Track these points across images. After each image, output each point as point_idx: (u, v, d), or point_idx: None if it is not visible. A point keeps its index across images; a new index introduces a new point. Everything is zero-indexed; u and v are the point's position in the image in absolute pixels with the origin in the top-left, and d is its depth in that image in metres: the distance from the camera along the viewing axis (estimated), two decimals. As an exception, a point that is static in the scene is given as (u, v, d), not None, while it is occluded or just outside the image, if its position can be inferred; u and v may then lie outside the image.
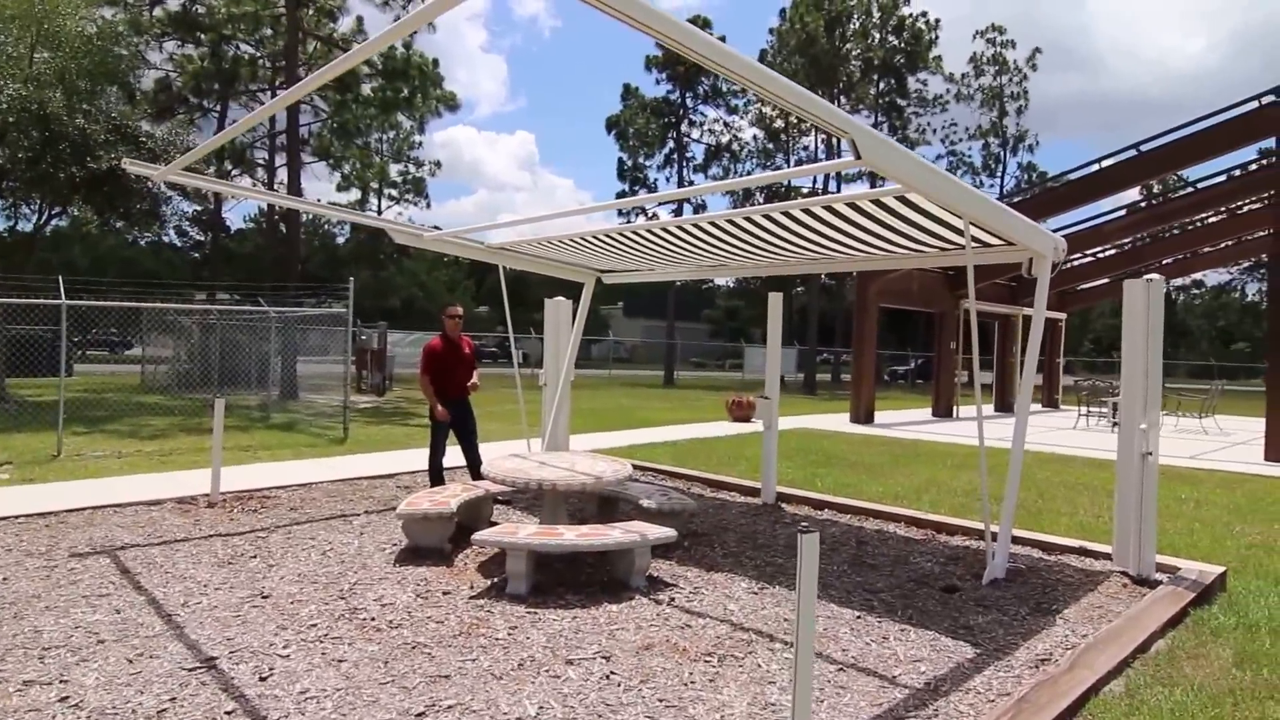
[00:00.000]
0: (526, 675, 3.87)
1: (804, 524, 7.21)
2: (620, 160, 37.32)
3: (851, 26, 33.96)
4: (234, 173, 28.04)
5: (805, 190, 35.43)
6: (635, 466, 9.93)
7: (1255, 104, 11.64)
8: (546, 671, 3.92)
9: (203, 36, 23.53)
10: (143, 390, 19.67)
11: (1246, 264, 46.80)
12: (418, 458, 10.42)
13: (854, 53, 34.73)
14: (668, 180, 37.84)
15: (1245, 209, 17.23)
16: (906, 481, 9.56)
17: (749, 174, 39.12)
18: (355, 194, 33.36)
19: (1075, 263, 21.24)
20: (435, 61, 22.94)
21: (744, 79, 3.58)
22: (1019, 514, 7.80)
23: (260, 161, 28.36)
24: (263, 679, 3.80)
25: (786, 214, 5.72)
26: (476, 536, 5.21)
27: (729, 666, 4.03)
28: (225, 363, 18.03)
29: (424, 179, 36.77)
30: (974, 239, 5.96)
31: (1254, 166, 15.18)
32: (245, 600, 4.88)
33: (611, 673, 3.93)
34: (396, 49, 22.39)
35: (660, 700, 3.66)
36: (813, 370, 34.19)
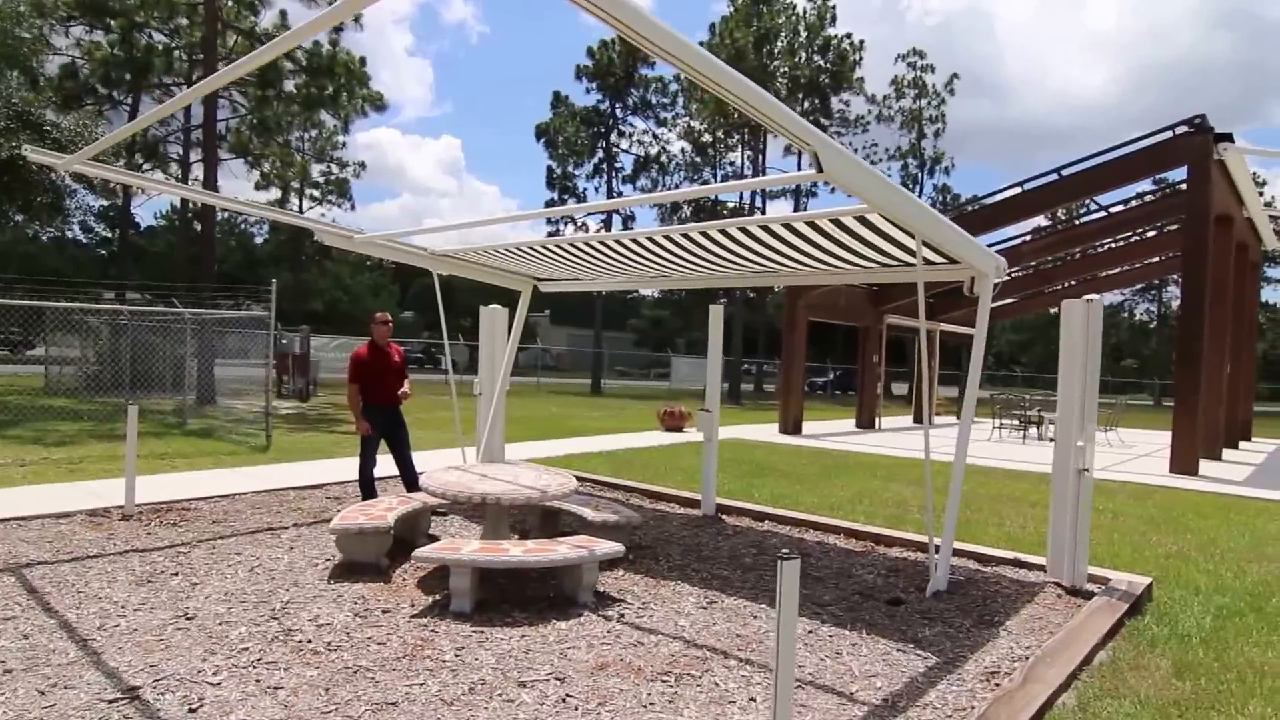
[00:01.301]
0: (479, 700, 3.73)
1: (782, 546, 7.21)
2: (549, 168, 37.16)
3: (779, 44, 34.54)
4: (146, 167, 26.83)
5: (731, 205, 35.83)
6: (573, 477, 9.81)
7: (1170, 134, 12.26)
8: (499, 695, 3.78)
9: (112, 23, 22.46)
10: (47, 393, 18.59)
11: (1139, 286, 49.27)
12: (347, 467, 10.08)
13: (781, 70, 35.32)
14: (597, 190, 37.86)
15: (1147, 234, 18.15)
16: (840, 492, 9.68)
17: (677, 187, 39.37)
18: (275, 193, 32.27)
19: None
20: (362, 60, 22.39)
21: (719, 86, 3.50)
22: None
23: (174, 156, 27.22)
24: (192, 710, 3.56)
25: (743, 230, 5.71)
26: (419, 553, 5.03)
27: (686, 686, 3.95)
28: (138, 366, 17.16)
29: (347, 180, 35.85)
30: (933, 257, 6.05)
31: (1152, 196, 15.99)
32: (168, 622, 4.59)
33: (568, 695, 3.81)
34: (322, 45, 21.81)
35: (620, 724, 3.56)
36: (737, 381, 34.55)
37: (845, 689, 3.99)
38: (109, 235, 47.09)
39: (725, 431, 17.45)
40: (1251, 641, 4.87)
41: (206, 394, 17.66)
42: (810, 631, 4.78)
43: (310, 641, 4.37)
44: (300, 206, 36.28)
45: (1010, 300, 22.68)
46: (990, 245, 18.04)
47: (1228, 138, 11.94)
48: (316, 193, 35.37)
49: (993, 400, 20.71)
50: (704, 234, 5.92)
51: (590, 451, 12.65)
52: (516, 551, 5.04)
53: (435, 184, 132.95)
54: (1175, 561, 6.90)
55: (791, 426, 17.44)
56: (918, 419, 22.18)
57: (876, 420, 20.12)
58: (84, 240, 49.59)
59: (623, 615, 4.97)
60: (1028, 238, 19.26)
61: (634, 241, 6.48)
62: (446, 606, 4.94)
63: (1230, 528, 8.49)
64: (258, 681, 3.85)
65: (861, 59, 36.37)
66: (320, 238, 7.89)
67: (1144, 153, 12.46)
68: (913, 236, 5.25)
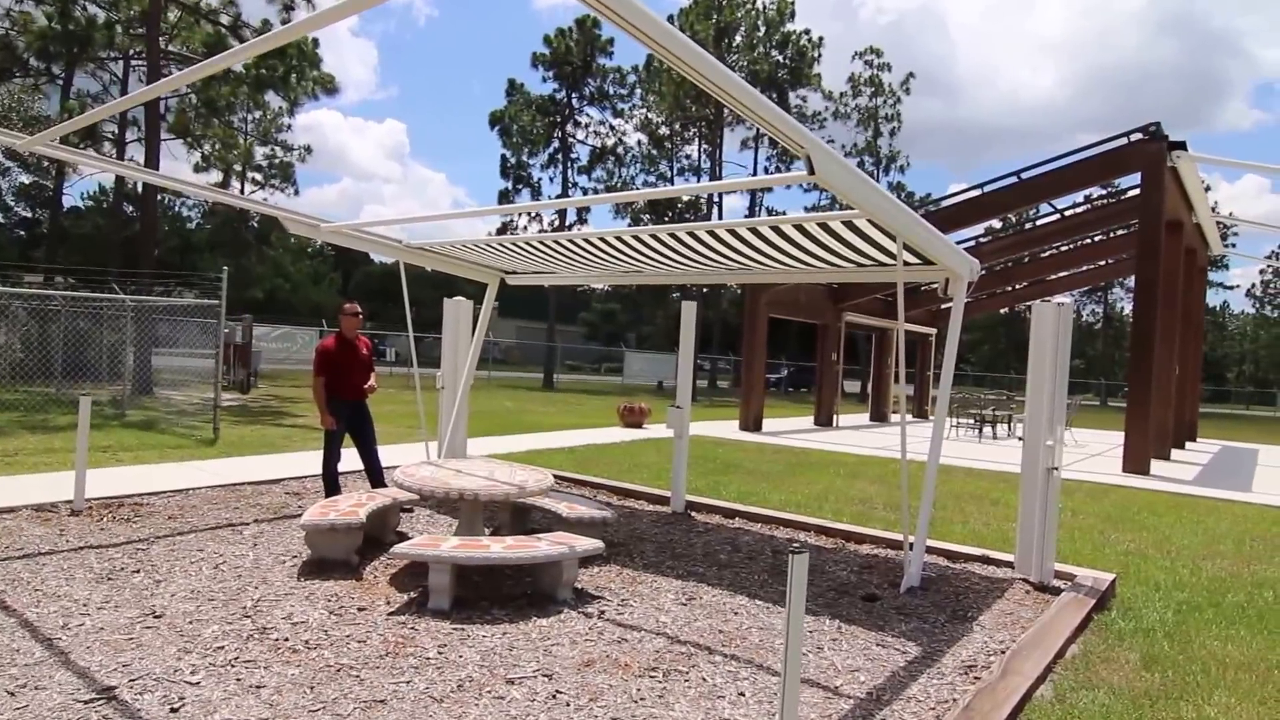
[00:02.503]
0: (468, 697, 3.68)
1: (754, 543, 7.24)
2: (504, 157, 36.79)
3: (738, 39, 34.72)
4: (82, 145, 25.82)
5: (686, 199, 35.93)
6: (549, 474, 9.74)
7: (1125, 140, 12.64)
8: (489, 692, 3.74)
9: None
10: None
11: (1085, 288, 50.69)
12: (302, 461, 9.88)
13: (740, 64, 35.50)
14: (552, 180, 37.60)
15: (1098, 238, 18.69)
16: (806, 490, 9.78)
17: (633, 179, 39.35)
18: (216, 176, 31.33)
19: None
20: (315, 41, 21.86)
21: (716, 86, 3.49)
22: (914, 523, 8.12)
23: (109, 135, 26.23)
24: (174, 710, 3.45)
25: (732, 231, 5.75)
26: (397, 549, 4.94)
27: (675, 681, 3.95)
28: (69, 354, 16.54)
29: (291, 164, 34.95)
30: (891, 257, 6.13)
31: (1105, 200, 16.45)
32: (135, 620, 4.44)
33: (557, 691, 3.78)
34: (273, 25, 21.24)
35: (614, 718, 3.54)
36: (694, 377, 34.67)
37: (830, 683, 4.03)
38: (30, 215, 45.01)
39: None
40: (1212, 635, 5.05)
41: (144, 384, 17.12)
42: (791, 627, 4.82)
43: (288, 640, 4.27)
44: (242, 190, 35.31)
45: (965, 300, 23.19)
46: (958, 245, 18.55)
47: (1181, 145, 12.34)
48: (259, 176, 34.38)
49: (954, 398, 21.11)
50: (691, 234, 5.96)
51: (552, 448, 12.58)
52: (497, 548, 4.98)
53: (378, 169, 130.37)
54: (1134, 558, 7.12)
55: (752, 424, 17.57)
56: (875, 417, 22.53)
57: (835, 418, 20.38)
58: (2, 220, 47.39)
59: (603, 612, 4.94)
60: (985, 239, 19.67)
61: (618, 239, 6.47)
62: (424, 604, 4.86)
63: (1183, 525, 8.79)
64: (238, 680, 3.75)
65: (820, 55, 36.77)
66: (287, 226, 7.69)
67: (1100, 158, 12.82)
68: (893, 238, 5.31)
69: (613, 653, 4.28)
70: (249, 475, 8.79)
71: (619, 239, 6.49)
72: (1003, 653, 4.43)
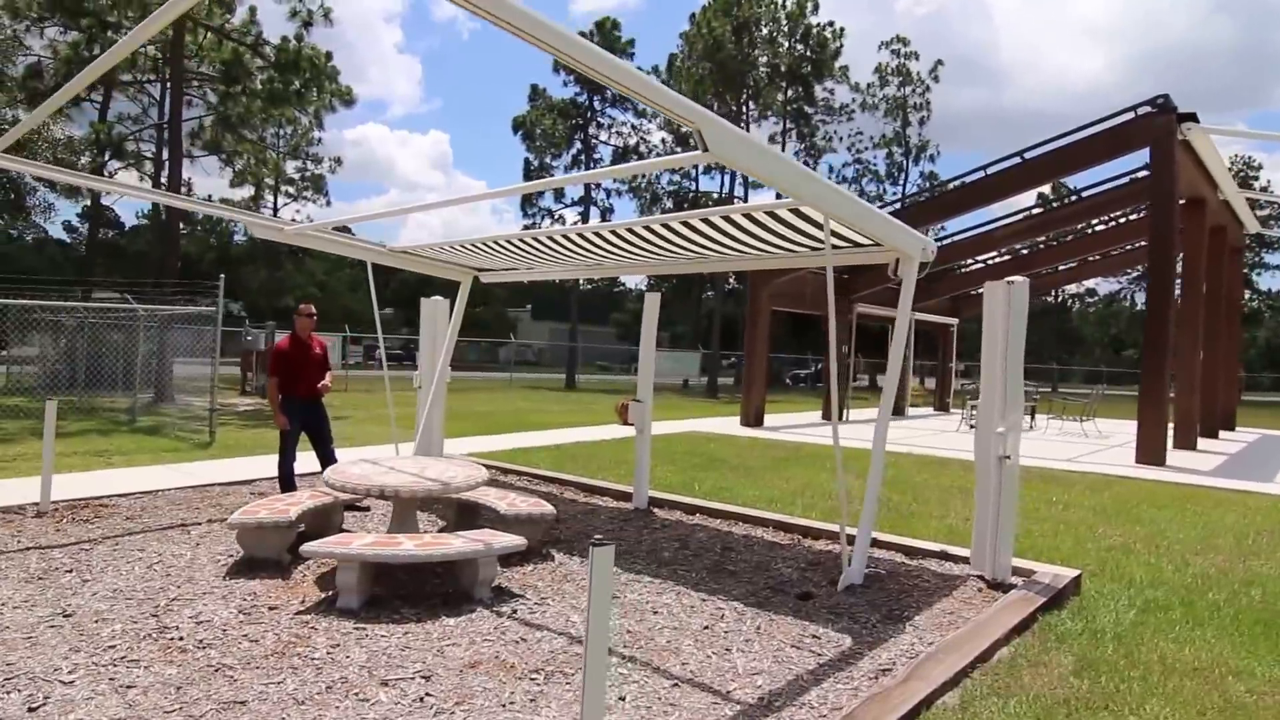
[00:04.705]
0: (333, 699, 3.55)
1: (709, 540, 7.05)
2: (527, 160, 36.91)
3: (759, 33, 34.30)
4: (115, 166, 26.47)
5: (715, 195, 35.67)
6: (510, 471, 9.63)
7: (1131, 114, 12.06)
8: (356, 695, 3.61)
9: (84, 22, 22.07)
10: (7, 392, 18.31)
11: (1135, 273, 49.10)
12: (283, 462, 9.89)
13: (761, 59, 35.09)
14: (575, 183, 37.53)
15: (1125, 219, 17.99)
16: (784, 485, 9.51)
17: (657, 178, 39.18)
18: (250, 190, 31.93)
19: (970, 267, 21.87)
20: (329, 55, 22.04)
21: (575, 60, 3.31)
22: (890, 517, 7.83)
23: (148, 155, 26.83)
24: (32, 709, 3.38)
25: (686, 223, 5.74)
26: (305, 548, 4.84)
27: (555, 684, 3.78)
28: (94, 363, 16.93)
29: (323, 176, 35.52)
30: (844, 239, 5.89)
31: (1125, 180, 15.74)
32: (44, 620, 4.40)
33: (427, 694, 3.64)
34: (290, 41, 21.51)
35: (472, 725, 3.39)
36: (716, 373, 34.38)
37: (723, 687, 3.82)
38: (92, 235, 46.40)
39: (687, 424, 17.37)
40: (1171, 637, 4.71)
41: (164, 391, 17.42)
42: (706, 628, 4.61)
43: (182, 639, 4.19)
44: (275, 203, 35.96)
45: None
46: (971, 229, 18.01)
47: (1191, 117, 11.71)
48: (292, 189, 34.98)
49: (963, 390, 20.56)
50: (647, 228, 6.13)
51: (539, 445, 12.45)
52: (409, 545, 4.85)
53: (423, 179, 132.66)
54: (1116, 554, 6.75)
55: (753, 419, 17.25)
56: (893, 410, 22.02)
57: (846, 412, 19.95)
58: (68, 240, 49.04)
59: (515, 611, 4.79)
60: (1010, 220, 19.01)
61: (579, 236, 6.64)
62: (335, 603, 4.76)
63: (1184, 519, 8.35)
64: (111, 680, 3.68)
65: (842, 46, 36.14)
66: (250, 230, 7.72)
67: (1106, 134, 12.22)
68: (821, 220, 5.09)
69: (504, 654, 4.12)
70: (225, 476, 8.81)
71: (580, 235, 6.64)
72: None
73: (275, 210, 35.84)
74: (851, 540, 5.56)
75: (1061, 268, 21.24)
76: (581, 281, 40.39)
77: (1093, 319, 65.07)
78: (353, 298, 50.84)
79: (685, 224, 5.97)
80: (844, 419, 19.81)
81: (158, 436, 12.36)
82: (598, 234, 6.56)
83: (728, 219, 5.68)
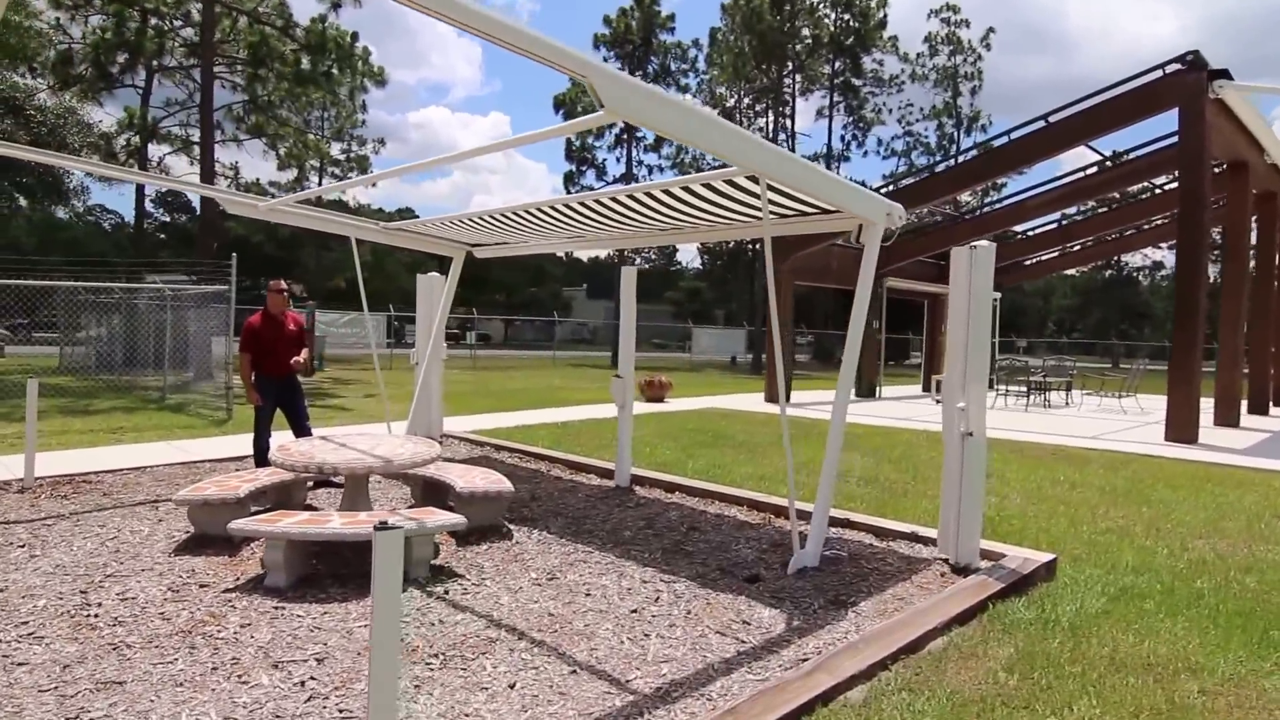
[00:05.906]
0: (213, 682, 3.46)
1: (679, 519, 6.85)
2: (568, 140, 36.71)
3: (800, 3, 33.44)
4: (163, 151, 27.15)
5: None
6: (503, 448, 9.54)
7: (1160, 72, 11.30)
8: (239, 677, 3.52)
9: (118, 8, 22.53)
10: (59, 372, 18.91)
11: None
12: (286, 438, 9.94)
13: (803, 30, 34.24)
14: (618, 161, 37.33)
15: (1165, 187, 17.06)
16: (783, 463, 9.22)
17: (701, 154, 38.65)
18: (294, 173, 32.44)
19: (1004, 239, 21.09)
20: (354, 36, 22.18)
21: (461, 23, 3.10)
22: (883, 496, 7.53)
23: (195, 140, 27.40)
24: (-87, 686, 3.37)
25: (651, 194, 5.67)
26: (232, 525, 4.79)
27: (450, 670, 3.64)
28: (133, 343, 17.37)
29: (367, 157, 35.87)
30: (790, 205, 5.59)
31: (1157, 145, 14.85)
32: (-27, 595, 4.43)
33: (311, 678, 3.53)
34: (317, 23, 21.70)
35: (340, 711, 3.27)
36: (761, 351, 33.93)
37: (624, 676, 3.63)
38: (168, 220, 47.87)
39: (709, 401, 17.15)
40: (1134, 629, 4.35)
41: (204, 370, 17.79)
42: (634, 611, 4.42)
43: (97, 617, 4.17)
44: (320, 185, 36.47)
45: (1036, 259, 21.77)
46: (1006, 198, 17.27)
47: (1224, 74, 10.92)
48: (338, 170, 35.40)
49: (995, 367, 19.83)
50: (613, 199, 6.20)
51: (546, 422, 12.31)
52: (336, 523, 4.77)
53: (484, 161, 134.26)
54: (1109, 537, 6.35)
55: (776, 395, 16.92)
56: (926, 387, 21.41)
57: (877, 389, 19.45)
58: (144, 225, 50.69)
59: (448, 592, 4.67)
60: (1043, 189, 18.20)
61: (551, 208, 6.57)
62: (263, 581, 4.70)
63: (1198, 500, 7.84)
64: (5, 657, 3.66)
65: (887, 16, 35.02)
66: (225, 206, 7.72)
67: (1133, 94, 11.44)
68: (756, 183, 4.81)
69: (413, 637, 4.00)
70: (223, 452, 8.89)
71: (552, 207, 6.54)
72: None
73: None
74: (809, 520, 5.30)
75: (1092, 240, 20.26)
76: (636, 260, 40.18)
77: (1164, 293, 62.61)
78: (409, 279, 51.52)
79: (648, 194, 5.80)
80: (876, 395, 19.34)
81: (179, 414, 12.59)
82: (583, 204, 6.44)
83: (688, 189, 5.48)
